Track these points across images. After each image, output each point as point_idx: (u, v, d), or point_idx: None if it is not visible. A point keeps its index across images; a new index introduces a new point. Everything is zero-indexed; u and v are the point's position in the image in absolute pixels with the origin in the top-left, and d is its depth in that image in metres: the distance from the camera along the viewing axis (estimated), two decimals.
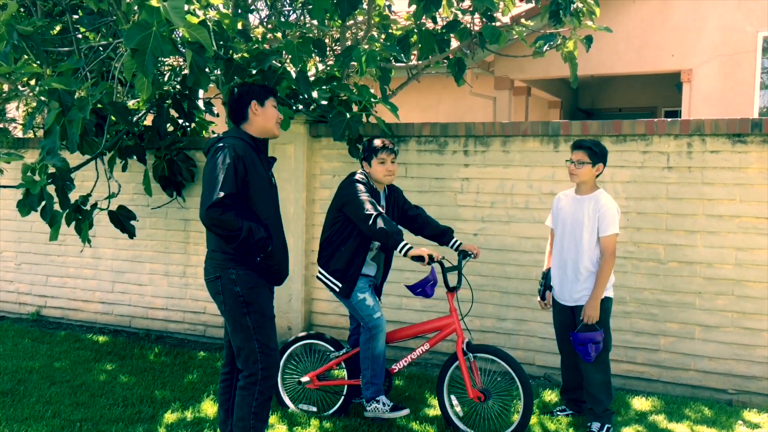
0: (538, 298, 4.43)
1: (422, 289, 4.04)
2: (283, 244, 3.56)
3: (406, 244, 3.81)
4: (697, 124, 4.76)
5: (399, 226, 4.05)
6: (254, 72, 4.99)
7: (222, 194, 3.22)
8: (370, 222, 3.84)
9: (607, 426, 4.08)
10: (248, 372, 3.42)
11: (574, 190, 4.24)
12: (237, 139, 3.45)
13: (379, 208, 3.94)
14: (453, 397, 4.08)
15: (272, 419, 4.25)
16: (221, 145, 3.39)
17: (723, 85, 8.72)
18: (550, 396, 4.77)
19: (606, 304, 4.08)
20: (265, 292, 3.48)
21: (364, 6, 5.80)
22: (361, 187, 4.02)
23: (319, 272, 4.18)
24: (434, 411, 4.41)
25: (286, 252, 3.60)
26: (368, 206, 3.89)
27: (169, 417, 4.30)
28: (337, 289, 4.08)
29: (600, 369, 4.07)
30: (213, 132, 6.78)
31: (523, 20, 6.48)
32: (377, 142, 4.14)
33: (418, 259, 3.81)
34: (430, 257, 3.81)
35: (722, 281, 4.75)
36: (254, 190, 3.39)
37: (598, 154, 4.07)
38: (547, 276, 4.35)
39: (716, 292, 4.76)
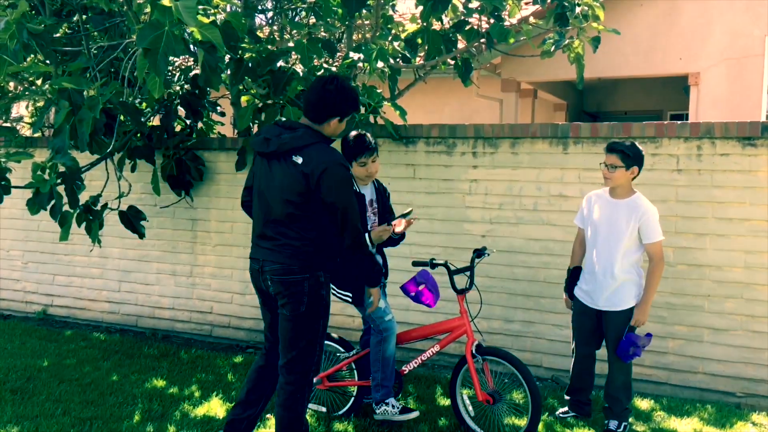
0: (565, 296, 4.38)
1: (415, 294, 4.06)
2: None
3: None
4: (707, 127, 4.76)
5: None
6: (264, 72, 5.00)
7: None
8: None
9: (624, 424, 4.10)
10: (300, 374, 3.39)
11: (607, 191, 4.16)
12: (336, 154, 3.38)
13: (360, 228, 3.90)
14: (465, 397, 4.08)
15: None
16: (343, 164, 3.34)
17: (731, 88, 8.72)
18: (557, 398, 4.76)
19: (631, 312, 4.06)
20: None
21: (370, 2, 5.78)
22: None
23: (331, 289, 4.16)
24: (443, 412, 4.41)
25: None
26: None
27: (179, 415, 4.30)
28: (350, 300, 4.07)
29: (623, 371, 4.09)
30: (219, 133, 6.75)
31: (532, 19, 6.49)
32: (356, 145, 3.92)
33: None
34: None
35: (731, 284, 4.74)
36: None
37: (631, 157, 3.97)
38: (572, 273, 4.31)
39: (725, 295, 4.76)
